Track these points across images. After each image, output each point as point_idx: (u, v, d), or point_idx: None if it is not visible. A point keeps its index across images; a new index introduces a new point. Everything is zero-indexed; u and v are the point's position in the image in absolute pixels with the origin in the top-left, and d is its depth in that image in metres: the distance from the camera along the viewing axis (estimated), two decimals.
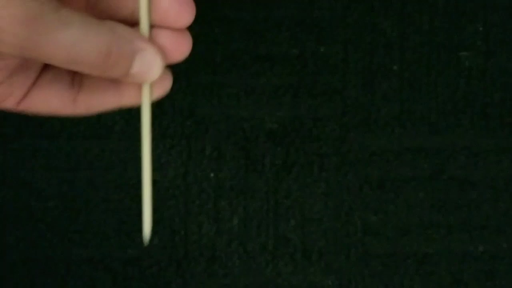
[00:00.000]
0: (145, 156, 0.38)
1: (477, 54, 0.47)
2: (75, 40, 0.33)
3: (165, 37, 0.37)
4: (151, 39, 0.36)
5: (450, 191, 0.47)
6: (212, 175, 0.47)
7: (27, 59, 0.36)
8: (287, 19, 0.47)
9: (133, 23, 0.37)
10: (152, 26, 0.36)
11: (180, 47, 0.37)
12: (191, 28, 0.46)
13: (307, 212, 0.47)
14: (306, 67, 0.47)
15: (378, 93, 0.47)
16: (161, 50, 0.36)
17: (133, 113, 0.47)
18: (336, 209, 0.47)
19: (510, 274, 0.47)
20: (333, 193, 0.47)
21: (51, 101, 0.37)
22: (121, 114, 0.47)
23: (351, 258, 0.47)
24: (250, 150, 0.47)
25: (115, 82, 0.38)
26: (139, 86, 0.38)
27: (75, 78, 0.39)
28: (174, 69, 0.46)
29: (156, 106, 0.47)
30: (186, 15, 0.36)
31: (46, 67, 0.38)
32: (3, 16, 0.31)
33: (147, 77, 0.36)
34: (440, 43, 0.47)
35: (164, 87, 0.38)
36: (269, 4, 0.47)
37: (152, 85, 0.37)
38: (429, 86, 0.47)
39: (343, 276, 0.47)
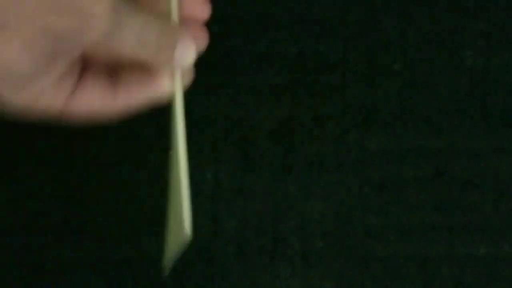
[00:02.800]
0: (180, 147, 0.42)
1: (479, 54, 0.47)
2: (142, 25, 0.37)
3: (192, 29, 0.41)
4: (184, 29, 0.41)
5: (451, 192, 0.47)
6: (210, 175, 0.47)
7: (100, 49, 0.39)
8: (286, 17, 0.47)
9: None
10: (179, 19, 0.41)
11: (204, 37, 0.42)
12: None
13: (306, 213, 0.47)
14: (305, 65, 0.47)
15: (379, 93, 0.47)
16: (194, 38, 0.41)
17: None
18: (336, 211, 0.47)
19: (511, 276, 0.47)
20: (333, 194, 0.47)
21: (93, 99, 0.40)
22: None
23: (351, 260, 0.47)
24: (248, 150, 0.47)
25: (150, 74, 0.41)
26: (169, 79, 0.41)
27: (113, 76, 0.41)
28: None
29: (154, 106, 0.47)
30: (206, 9, 0.42)
31: (86, 68, 0.41)
32: (99, 6, 0.35)
33: (186, 61, 0.40)
34: (441, 42, 0.47)
35: (190, 76, 0.42)
36: (268, 2, 0.47)
37: (183, 73, 0.41)
38: (430, 85, 0.47)
39: (342, 279, 0.47)
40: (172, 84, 0.41)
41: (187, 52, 0.40)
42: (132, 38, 0.37)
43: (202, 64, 0.47)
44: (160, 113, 0.47)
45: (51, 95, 0.38)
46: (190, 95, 0.47)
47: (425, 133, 0.47)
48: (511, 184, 0.47)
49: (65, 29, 0.34)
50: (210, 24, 0.47)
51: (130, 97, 0.41)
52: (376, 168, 0.47)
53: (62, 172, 0.47)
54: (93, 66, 0.41)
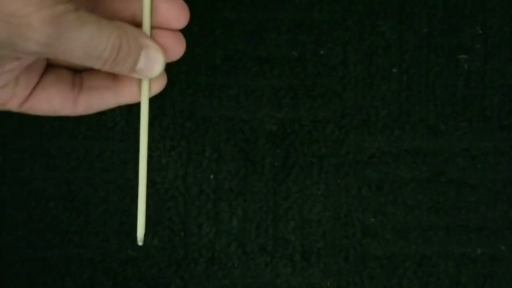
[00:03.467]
0: (141, 153, 0.40)
1: (475, 57, 0.47)
2: (91, 37, 0.35)
3: (164, 37, 0.39)
4: (153, 38, 0.39)
5: (448, 193, 0.47)
6: (211, 176, 0.47)
7: (45, 57, 0.37)
8: (287, 21, 0.47)
9: (134, 25, 0.38)
10: (152, 28, 0.39)
11: (178, 47, 0.40)
12: (191, 30, 0.47)
13: (306, 213, 0.47)
14: (305, 69, 0.47)
15: (377, 95, 0.47)
16: (163, 48, 0.39)
17: (134, 114, 0.47)
18: (335, 211, 0.47)
19: (508, 276, 0.47)
20: (332, 194, 0.47)
21: (53, 101, 0.39)
22: (122, 115, 0.47)
23: (350, 259, 0.47)
24: (249, 151, 0.47)
25: (114, 82, 0.40)
26: (138, 84, 0.40)
27: (76, 79, 0.40)
28: (174, 70, 0.46)
29: (156, 108, 0.47)
30: (183, 17, 0.40)
31: (48, 70, 0.40)
32: (34, 16, 0.33)
33: (150, 73, 0.39)
34: (439, 46, 0.47)
35: (161, 84, 0.41)
36: (269, 6, 0.47)
37: (150, 82, 0.40)
38: (428, 88, 0.47)
39: (341, 277, 0.47)
40: (136, 92, 0.40)
41: (152, 63, 0.38)
42: (78, 49, 0.35)
43: (204, 66, 0.47)
44: (162, 114, 0.47)
45: (6, 93, 0.37)
46: (192, 97, 0.47)
47: (423, 135, 0.47)
48: (507, 185, 0.47)
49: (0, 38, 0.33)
50: (212, 28, 0.47)
51: (91, 103, 0.40)
52: (374, 169, 0.47)
53: (65, 172, 0.47)
54: (56, 66, 0.40)
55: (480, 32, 0.47)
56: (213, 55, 0.47)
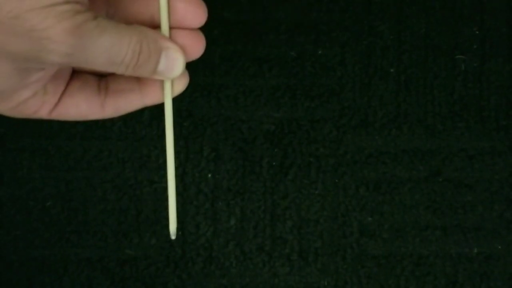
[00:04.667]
0: (168, 151, 0.40)
1: (473, 57, 0.47)
2: (112, 44, 0.35)
3: (183, 37, 0.39)
4: (172, 39, 0.39)
5: (445, 193, 0.47)
6: (209, 176, 0.47)
7: (69, 66, 0.38)
8: (285, 22, 0.47)
9: (152, 27, 0.39)
10: (170, 28, 0.39)
11: (197, 45, 0.39)
12: None
13: (303, 213, 0.47)
14: (304, 69, 0.47)
15: (375, 96, 0.47)
16: (182, 48, 0.39)
17: (131, 114, 0.47)
18: (332, 210, 0.47)
19: (504, 275, 0.47)
20: (330, 194, 0.47)
21: (80, 106, 0.39)
22: (120, 116, 0.47)
23: (347, 259, 0.47)
24: (247, 151, 0.47)
25: (138, 84, 0.40)
26: (161, 86, 0.40)
27: (101, 84, 0.41)
28: None
29: (155, 107, 0.47)
30: (200, 16, 0.39)
31: (74, 76, 0.40)
32: (55, 28, 0.33)
33: (172, 73, 0.39)
34: (436, 46, 0.47)
35: (183, 83, 0.41)
36: (267, 6, 0.47)
37: (173, 82, 0.40)
38: (425, 88, 0.47)
39: (339, 277, 0.47)
40: (160, 93, 0.40)
41: (173, 64, 0.38)
42: (100, 56, 0.35)
43: (203, 66, 0.47)
44: (161, 114, 0.47)
45: (36, 102, 0.38)
46: (191, 97, 0.47)
47: (420, 135, 0.47)
48: (504, 185, 0.47)
49: (22, 51, 0.34)
50: (211, 28, 0.47)
51: (118, 106, 0.40)
52: (372, 169, 0.47)
53: (63, 172, 0.47)
54: (82, 73, 0.40)
55: (478, 32, 0.47)
56: (211, 55, 0.47)
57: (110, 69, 0.36)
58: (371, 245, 0.47)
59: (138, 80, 0.40)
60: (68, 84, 0.39)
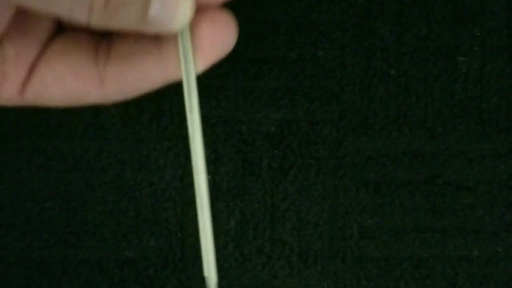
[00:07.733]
0: (197, 149, 0.28)
1: (474, 60, 0.47)
2: None
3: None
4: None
5: (445, 195, 0.47)
6: (209, 177, 0.47)
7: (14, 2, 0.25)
8: (285, 23, 0.47)
9: None
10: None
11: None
12: None
13: (303, 215, 0.47)
14: (303, 70, 0.47)
15: (375, 98, 0.47)
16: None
17: (132, 113, 0.47)
18: (332, 212, 0.47)
19: (504, 278, 0.47)
20: (330, 196, 0.47)
21: (66, 80, 0.26)
22: (120, 115, 0.47)
23: (347, 261, 0.47)
24: (247, 152, 0.47)
25: (156, 45, 0.27)
26: (175, 50, 0.26)
27: (101, 47, 0.27)
28: None
29: (154, 108, 0.47)
30: None
31: (58, 36, 0.27)
32: None
33: (172, 22, 0.25)
34: (437, 48, 0.47)
35: (225, 41, 0.26)
36: (267, 7, 0.47)
37: (194, 48, 0.25)
38: (425, 91, 0.47)
39: (338, 279, 0.47)
40: (177, 63, 0.26)
41: (173, 5, 0.24)
42: None
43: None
44: (161, 114, 0.47)
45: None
46: None
47: (420, 137, 0.47)
48: (504, 188, 0.47)
49: None
50: None
51: (126, 80, 0.27)
52: (372, 171, 0.47)
53: (62, 173, 0.47)
54: (70, 32, 0.26)
55: (479, 34, 0.47)
56: None
57: (72, 15, 0.22)
58: (371, 247, 0.47)
59: (155, 40, 0.26)
60: (45, 47, 0.26)
